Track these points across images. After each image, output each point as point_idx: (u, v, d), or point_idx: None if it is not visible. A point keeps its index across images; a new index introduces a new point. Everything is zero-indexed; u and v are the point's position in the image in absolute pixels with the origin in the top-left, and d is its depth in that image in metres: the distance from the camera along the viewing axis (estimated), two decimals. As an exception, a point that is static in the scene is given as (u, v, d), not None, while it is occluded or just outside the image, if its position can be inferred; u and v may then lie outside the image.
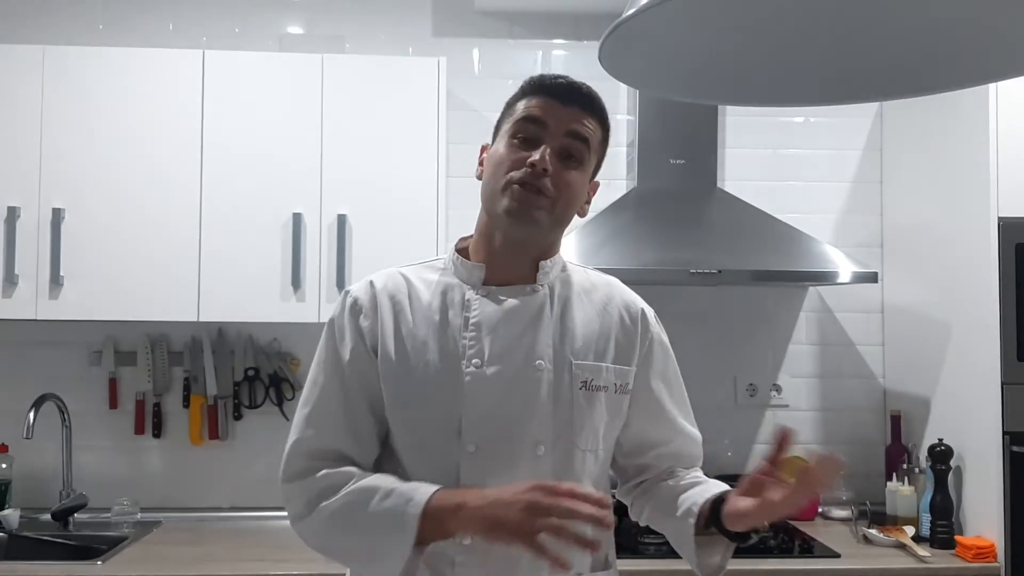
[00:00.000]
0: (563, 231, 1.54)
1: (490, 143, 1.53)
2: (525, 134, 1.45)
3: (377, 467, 1.49)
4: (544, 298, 1.50)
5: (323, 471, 1.43)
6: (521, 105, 1.47)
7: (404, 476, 1.43)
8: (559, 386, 1.46)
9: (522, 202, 1.43)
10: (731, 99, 1.05)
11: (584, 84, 1.48)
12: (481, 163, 1.53)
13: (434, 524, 1.33)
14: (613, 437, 1.56)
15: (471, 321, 1.46)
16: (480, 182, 1.52)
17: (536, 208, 1.43)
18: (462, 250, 1.56)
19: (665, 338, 1.61)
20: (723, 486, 1.51)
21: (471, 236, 1.56)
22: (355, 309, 1.50)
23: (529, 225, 1.44)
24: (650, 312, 1.60)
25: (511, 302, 1.48)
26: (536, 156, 1.41)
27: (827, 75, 1.02)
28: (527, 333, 1.47)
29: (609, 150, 3.19)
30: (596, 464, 1.51)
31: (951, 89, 1.12)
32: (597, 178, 1.56)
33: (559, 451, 1.45)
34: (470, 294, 1.49)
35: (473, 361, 1.44)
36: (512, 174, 1.43)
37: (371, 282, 1.53)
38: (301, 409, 1.51)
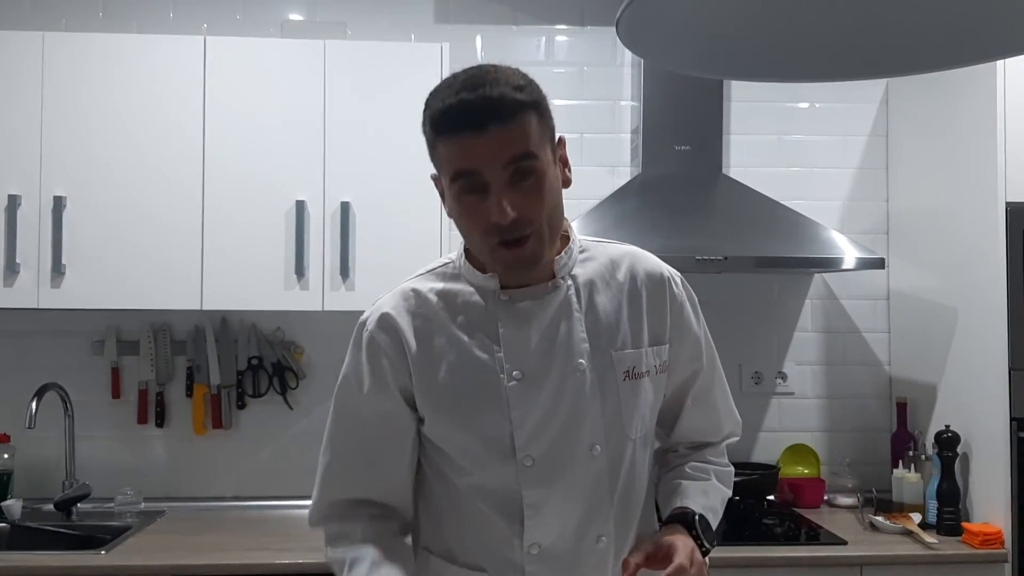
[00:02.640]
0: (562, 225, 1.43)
1: (435, 172, 1.40)
2: (468, 187, 1.31)
3: (435, 496, 1.49)
4: (567, 291, 1.44)
5: (336, 521, 1.49)
6: (443, 150, 1.32)
7: (464, 498, 1.44)
8: (603, 382, 1.42)
9: (516, 261, 1.35)
10: (744, 74, 1.03)
11: (482, 88, 1.28)
12: (442, 196, 1.40)
13: None
14: (656, 416, 1.53)
15: (501, 333, 1.41)
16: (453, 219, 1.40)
17: (529, 254, 1.34)
18: (470, 251, 1.46)
19: (690, 304, 1.53)
20: (683, 500, 1.49)
21: None
22: (374, 347, 1.43)
23: (532, 267, 1.37)
24: (676, 278, 1.53)
25: (535, 305, 1.41)
26: (494, 216, 1.29)
27: (839, 50, 1.01)
28: (559, 333, 1.41)
29: (613, 136, 3.21)
30: (645, 448, 1.50)
31: (961, 66, 1.10)
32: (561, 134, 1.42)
33: (612, 446, 1.43)
34: (492, 304, 1.42)
35: (513, 374, 1.39)
36: (488, 239, 1.33)
37: (385, 313, 1.44)
38: (321, 458, 1.51)
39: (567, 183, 1.41)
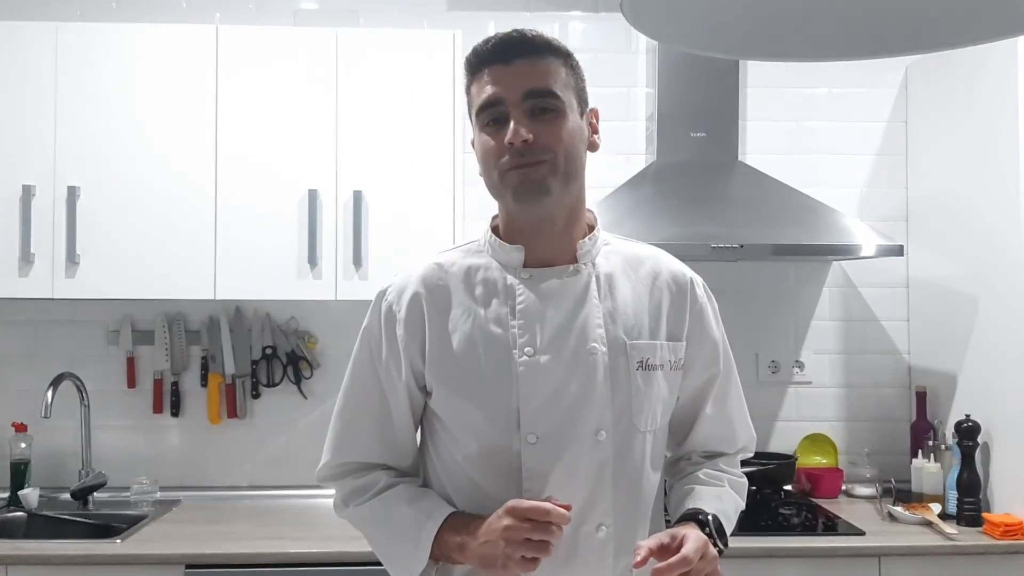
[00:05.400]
0: (580, 185, 1.45)
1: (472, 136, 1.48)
2: (491, 118, 1.39)
3: (432, 466, 1.50)
4: (588, 277, 1.45)
5: (350, 477, 1.51)
6: (474, 90, 1.42)
7: (462, 471, 1.44)
8: (615, 369, 1.42)
9: (523, 182, 1.38)
10: (753, 53, 1.01)
11: (517, 31, 1.40)
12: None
13: (443, 551, 1.40)
14: (669, 414, 1.52)
15: (518, 308, 1.42)
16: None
17: (539, 178, 1.37)
18: (496, 229, 1.50)
19: (711, 309, 1.55)
20: (695, 502, 1.48)
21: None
22: (390, 316, 1.46)
23: (542, 196, 1.39)
24: (699, 281, 1.54)
25: (555, 285, 1.43)
26: (509, 135, 1.36)
27: (852, 28, 0.98)
28: (576, 316, 1.42)
29: (628, 123, 3.18)
30: (654, 444, 1.48)
31: (980, 42, 1.07)
32: (595, 105, 1.51)
33: (619, 435, 1.43)
34: (512, 279, 1.44)
35: (525, 350, 1.40)
36: (501, 162, 1.38)
37: (405, 282, 1.48)
38: (333, 423, 1.53)
39: (593, 147, 1.47)
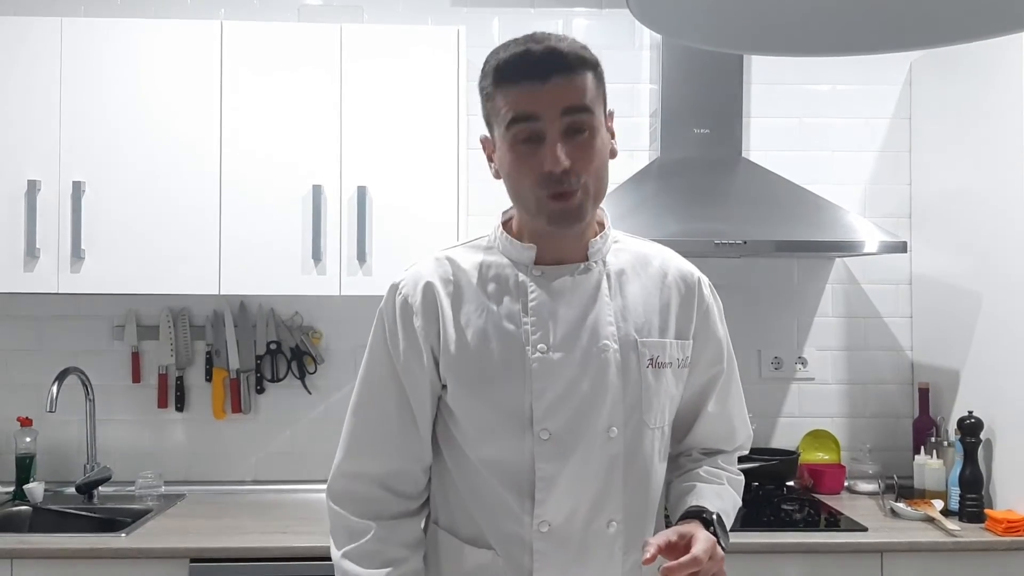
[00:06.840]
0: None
1: (487, 135, 1.45)
2: (524, 135, 1.35)
3: (442, 470, 1.50)
4: (599, 275, 1.46)
5: (347, 513, 1.47)
6: (500, 100, 1.36)
7: (474, 469, 1.44)
8: (627, 366, 1.43)
9: (561, 211, 1.37)
10: (758, 48, 1.01)
11: (548, 41, 1.35)
12: (490, 159, 1.45)
13: None
14: (675, 411, 1.53)
15: (530, 305, 1.43)
16: (499, 180, 1.44)
17: (575, 208, 1.37)
18: (507, 225, 1.50)
19: (717, 309, 1.56)
20: (698, 500, 1.48)
21: (512, 209, 1.50)
22: (406, 307, 1.45)
23: (577, 223, 1.40)
24: (705, 281, 1.56)
25: (567, 282, 1.44)
26: (548, 164, 1.33)
27: (857, 24, 0.98)
28: (588, 313, 1.43)
29: (632, 119, 3.17)
30: (662, 440, 1.50)
31: (982, 38, 1.07)
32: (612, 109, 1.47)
33: (630, 431, 1.44)
34: (524, 276, 1.45)
35: (539, 347, 1.41)
36: (538, 191, 1.36)
37: (419, 274, 1.47)
38: (348, 421, 1.51)
39: (613, 153, 1.45)
